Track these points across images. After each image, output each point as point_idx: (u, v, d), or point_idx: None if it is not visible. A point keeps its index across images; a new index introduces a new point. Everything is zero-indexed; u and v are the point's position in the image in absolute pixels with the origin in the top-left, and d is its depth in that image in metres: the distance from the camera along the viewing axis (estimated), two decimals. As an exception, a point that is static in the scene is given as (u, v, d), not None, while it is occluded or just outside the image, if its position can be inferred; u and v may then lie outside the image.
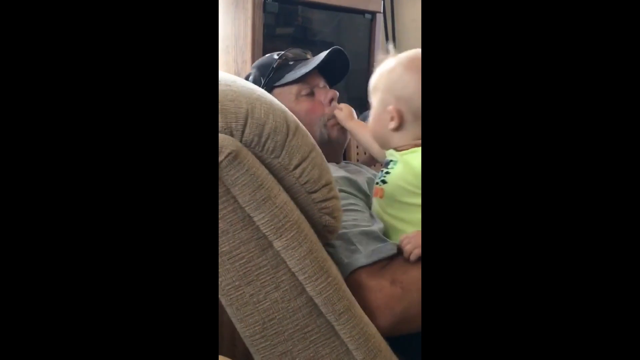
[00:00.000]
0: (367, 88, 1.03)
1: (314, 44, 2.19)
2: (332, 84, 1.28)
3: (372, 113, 0.97)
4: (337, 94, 1.23)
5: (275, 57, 1.25)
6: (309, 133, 0.73)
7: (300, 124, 0.72)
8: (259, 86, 1.20)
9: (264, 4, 1.97)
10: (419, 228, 0.89)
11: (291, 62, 1.24)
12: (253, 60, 1.94)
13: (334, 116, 1.19)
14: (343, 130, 1.20)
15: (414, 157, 0.87)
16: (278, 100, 1.19)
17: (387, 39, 2.88)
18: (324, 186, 0.73)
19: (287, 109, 0.73)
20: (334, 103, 1.21)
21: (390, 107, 0.94)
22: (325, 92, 1.22)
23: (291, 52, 1.27)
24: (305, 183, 0.71)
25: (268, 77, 1.21)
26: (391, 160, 0.93)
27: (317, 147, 0.73)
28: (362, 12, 2.32)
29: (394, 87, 0.94)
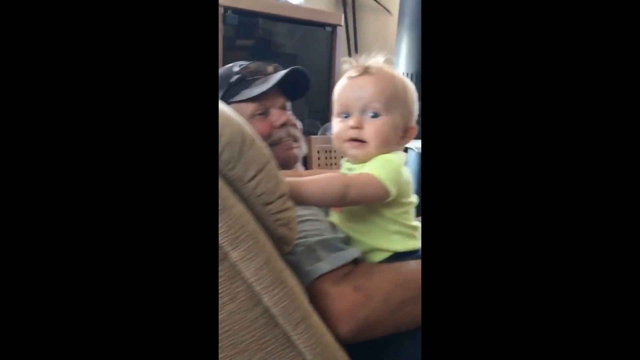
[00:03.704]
0: (328, 100, 1.03)
1: (276, 56, 2.20)
2: (292, 99, 1.28)
3: (389, 124, 0.90)
4: (290, 119, 1.22)
5: (235, 69, 1.23)
6: (265, 145, 0.73)
7: (257, 136, 0.72)
8: None
9: (224, 15, 1.97)
10: (378, 239, 0.91)
11: (249, 78, 1.22)
12: (213, 72, 1.94)
13: (282, 140, 1.19)
14: (291, 153, 1.20)
15: (372, 167, 0.87)
16: None
17: (349, 52, 2.91)
18: (279, 197, 0.73)
19: (244, 120, 0.73)
20: (288, 127, 1.20)
21: (413, 124, 0.94)
22: (279, 115, 1.20)
23: (252, 66, 1.24)
24: (260, 195, 0.71)
25: (224, 92, 1.20)
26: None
27: (273, 159, 0.73)
28: (323, 25, 2.35)
29: (414, 107, 0.94)
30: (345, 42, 2.87)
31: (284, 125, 1.19)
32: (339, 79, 0.98)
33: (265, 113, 1.19)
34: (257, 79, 1.22)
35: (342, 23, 2.42)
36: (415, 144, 2.06)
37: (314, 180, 0.83)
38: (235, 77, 1.21)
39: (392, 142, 0.91)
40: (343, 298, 0.81)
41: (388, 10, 3.01)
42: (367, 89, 0.89)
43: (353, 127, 0.89)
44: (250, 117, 1.18)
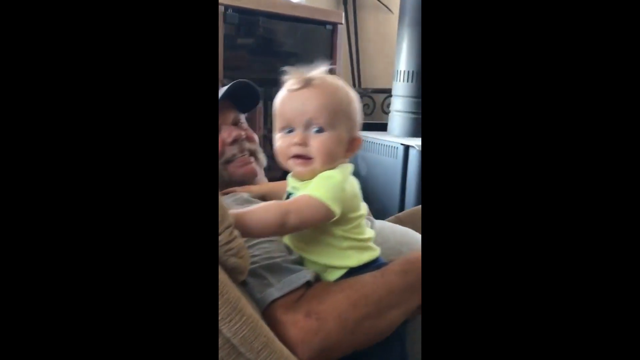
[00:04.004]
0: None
1: (276, 54, 2.20)
2: (244, 111, 1.27)
3: (334, 139, 0.88)
4: (242, 135, 1.21)
5: None
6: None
7: None
8: None
9: (224, 14, 1.97)
10: (331, 258, 0.88)
11: None
12: (214, 71, 1.93)
13: (235, 157, 1.18)
14: (247, 168, 1.19)
15: (313, 188, 0.84)
16: None
17: (350, 50, 2.91)
18: (225, 228, 0.71)
19: None
20: (240, 142, 1.20)
21: (358, 135, 0.92)
22: (229, 131, 1.20)
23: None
24: None
25: None
26: (291, 193, 0.90)
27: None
28: (323, 23, 2.34)
29: (357, 118, 0.91)
30: (346, 40, 2.87)
31: (235, 141, 1.19)
32: (341, 76, 0.96)
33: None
34: None
35: (343, 21, 2.41)
36: (417, 142, 2.05)
37: (252, 211, 0.81)
38: None
39: (337, 156, 0.88)
40: (295, 326, 0.79)
41: (389, 9, 3.00)
42: (310, 103, 0.86)
43: (297, 144, 0.86)
44: None
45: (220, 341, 0.69)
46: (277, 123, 0.91)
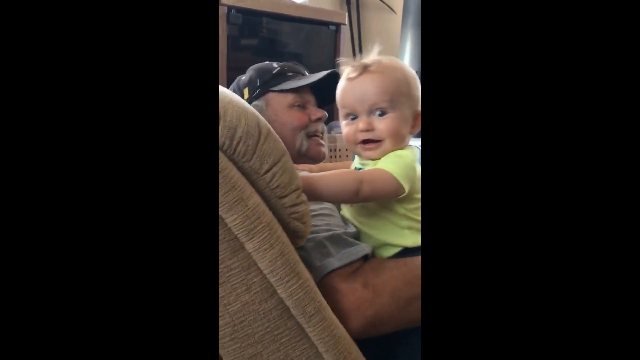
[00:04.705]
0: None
1: (280, 55, 2.20)
2: (319, 105, 1.32)
3: (398, 119, 0.90)
4: (327, 115, 1.27)
5: (275, 64, 1.29)
6: (280, 139, 0.73)
7: (272, 130, 0.72)
8: (253, 86, 1.25)
9: (228, 15, 1.98)
10: (389, 235, 0.91)
11: (290, 74, 1.28)
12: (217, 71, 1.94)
13: (317, 133, 1.23)
14: (321, 149, 1.23)
15: (385, 163, 0.87)
16: (270, 104, 1.23)
17: (353, 50, 2.91)
18: (293, 191, 0.73)
19: (258, 113, 0.74)
20: (321, 123, 1.25)
21: (419, 111, 0.93)
22: (315, 110, 1.25)
23: (289, 65, 1.31)
24: (275, 188, 0.71)
25: (265, 80, 1.25)
26: (360, 169, 0.93)
27: (288, 153, 0.74)
28: (327, 24, 2.35)
29: (418, 94, 0.93)
30: (349, 40, 2.88)
31: (319, 120, 1.24)
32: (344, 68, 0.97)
33: (303, 106, 1.24)
34: (296, 75, 1.28)
35: (346, 22, 2.42)
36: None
37: (327, 176, 0.83)
38: (276, 70, 1.27)
39: (405, 135, 0.91)
40: (352, 294, 0.81)
41: (392, 9, 3.01)
42: (369, 89, 0.89)
43: (364, 130, 0.89)
44: (289, 107, 1.23)
45: (274, 302, 0.70)
46: (341, 111, 0.94)
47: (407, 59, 2.29)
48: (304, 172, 1.07)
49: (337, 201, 0.92)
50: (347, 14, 2.50)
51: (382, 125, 0.89)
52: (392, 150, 0.89)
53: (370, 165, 0.90)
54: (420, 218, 0.91)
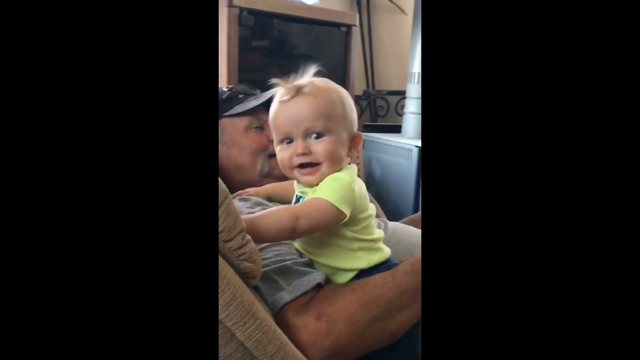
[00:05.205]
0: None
1: (291, 56, 2.20)
2: None
3: (335, 141, 0.88)
4: None
5: (224, 89, 1.28)
6: (220, 180, 0.71)
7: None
8: None
9: (239, 16, 1.98)
10: (341, 260, 0.89)
11: (240, 96, 1.26)
12: (229, 74, 1.94)
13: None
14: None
15: (322, 191, 0.84)
16: (226, 129, 1.22)
17: (364, 52, 2.91)
18: (238, 233, 0.72)
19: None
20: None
21: (357, 133, 0.92)
22: None
23: (240, 87, 1.30)
24: (220, 232, 0.70)
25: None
26: (301, 197, 0.91)
27: (230, 194, 0.73)
28: (338, 25, 2.34)
29: (353, 115, 0.91)
30: (360, 42, 2.87)
31: None
32: (354, 79, 0.95)
33: (260, 127, 1.23)
34: (247, 96, 1.26)
35: (357, 23, 2.41)
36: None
37: (263, 216, 0.81)
38: (225, 94, 1.25)
39: (342, 157, 0.89)
40: (306, 328, 0.80)
41: (403, 10, 3.00)
42: (304, 112, 0.86)
43: (301, 154, 0.87)
44: (245, 130, 1.22)
45: (234, 345, 0.69)
46: (276, 135, 0.91)
47: (418, 61, 2.28)
48: (252, 198, 1.05)
49: (277, 240, 0.89)
50: (357, 15, 2.49)
51: (319, 148, 0.86)
52: (329, 173, 0.86)
53: (309, 193, 0.88)
54: (370, 236, 0.89)
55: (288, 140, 0.89)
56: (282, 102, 0.89)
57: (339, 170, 0.87)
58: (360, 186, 0.88)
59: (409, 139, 2.28)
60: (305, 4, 2.26)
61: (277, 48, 2.18)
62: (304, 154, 0.87)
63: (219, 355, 0.69)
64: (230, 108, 1.24)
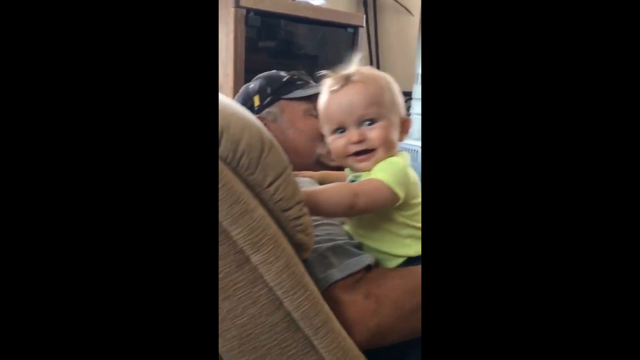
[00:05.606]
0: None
1: (297, 57, 2.20)
2: None
3: (388, 126, 0.89)
4: None
5: (282, 73, 1.28)
6: (282, 150, 0.72)
7: (275, 142, 0.72)
8: (264, 94, 1.24)
9: (246, 17, 1.98)
10: (390, 246, 0.90)
11: (299, 82, 1.27)
12: (235, 74, 1.95)
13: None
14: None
15: (378, 173, 0.86)
16: (285, 111, 1.23)
17: (370, 52, 2.91)
18: (296, 204, 0.72)
19: (262, 125, 0.73)
20: None
21: (406, 117, 0.93)
22: None
23: (298, 73, 1.30)
24: (278, 201, 0.70)
25: (277, 88, 1.24)
26: (354, 180, 0.92)
27: (290, 165, 0.73)
28: (344, 26, 2.35)
29: (401, 100, 0.93)
30: (367, 43, 2.87)
31: None
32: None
33: (317, 115, 1.22)
34: (305, 83, 1.27)
35: (364, 24, 2.41)
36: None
37: (324, 190, 0.82)
38: (285, 78, 1.26)
39: (395, 142, 0.90)
40: (354, 306, 0.81)
41: (409, 11, 3.00)
42: (355, 100, 0.88)
43: (356, 142, 0.88)
44: (305, 115, 1.22)
45: (280, 315, 0.70)
46: (327, 125, 0.93)
47: (425, 61, 2.28)
48: (305, 178, 1.07)
49: (335, 215, 0.91)
50: (364, 16, 2.49)
51: (373, 134, 0.88)
52: (384, 158, 0.88)
53: (363, 177, 0.89)
54: (419, 225, 0.90)
55: (341, 129, 0.91)
56: (332, 92, 0.90)
57: (392, 156, 0.89)
58: (413, 172, 0.89)
59: (415, 140, 2.28)
60: (312, 5, 2.26)
61: (283, 49, 2.18)
62: (359, 142, 0.88)
63: (267, 322, 0.69)
64: (289, 92, 1.24)
